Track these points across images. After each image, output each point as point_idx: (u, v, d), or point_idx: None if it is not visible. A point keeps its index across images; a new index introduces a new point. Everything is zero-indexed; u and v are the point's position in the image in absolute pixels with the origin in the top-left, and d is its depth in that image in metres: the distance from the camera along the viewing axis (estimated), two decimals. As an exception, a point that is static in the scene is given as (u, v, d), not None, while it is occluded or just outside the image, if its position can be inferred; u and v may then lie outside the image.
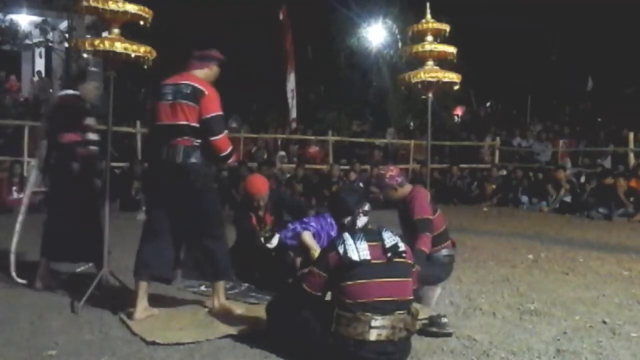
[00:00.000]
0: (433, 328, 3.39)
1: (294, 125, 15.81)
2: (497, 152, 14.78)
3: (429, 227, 4.20)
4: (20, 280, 4.36)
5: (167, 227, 3.66)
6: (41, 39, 15.83)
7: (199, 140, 3.60)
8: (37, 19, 16.07)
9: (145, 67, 3.98)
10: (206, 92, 3.59)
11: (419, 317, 3.15)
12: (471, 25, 15.72)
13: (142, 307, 3.62)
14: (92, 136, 4.44)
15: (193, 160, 3.58)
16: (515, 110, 20.68)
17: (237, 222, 4.90)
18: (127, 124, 11.29)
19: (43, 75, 18.31)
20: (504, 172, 13.12)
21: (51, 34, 15.78)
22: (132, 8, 3.86)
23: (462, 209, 11.03)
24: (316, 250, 4.31)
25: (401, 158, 14.09)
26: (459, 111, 22.00)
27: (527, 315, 3.86)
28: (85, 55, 4.24)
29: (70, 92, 4.52)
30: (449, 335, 3.38)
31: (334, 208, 3.26)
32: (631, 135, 12.25)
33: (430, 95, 5.53)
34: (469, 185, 12.66)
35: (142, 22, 3.96)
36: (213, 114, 3.58)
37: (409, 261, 3.03)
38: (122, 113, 11.12)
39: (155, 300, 3.79)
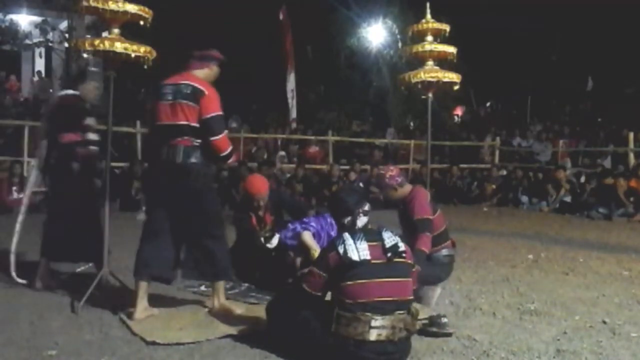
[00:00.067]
0: (433, 328, 3.39)
1: (294, 125, 15.80)
2: (497, 152, 14.78)
3: (429, 227, 4.20)
4: (20, 280, 4.36)
5: (167, 227, 3.66)
6: (41, 39, 15.82)
7: (199, 140, 3.60)
8: (37, 19, 16.05)
9: (145, 67, 3.98)
10: (206, 92, 3.59)
11: (419, 317, 3.15)
12: (471, 25, 15.73)
13: (142, 307, 3.63)
14: (92, 136, 4.44)
15: (193, 160, 3.59)
16: (515, 110, 20.67)
17: (237, 222, 4.89)
18: (127, 124, 11.28)
19: (43, 75, 18.29)
20: (504, 172, 13.11)
21: (51, 34, 15.77)
22: (132, 8, 3.86)
23: (462, 209, 11.02)
24: (316, 250, 4.30)
25: (401, 158, 14.10)
26: (459, 111, 22.01)
27: (527, 315, 3.86)
28: (85, 55, 4.25)
29: (70, 92, 4.52)
30: (449, 335, 3.38)
31: (334, 208, 3.26)
32: (631, 135, 12.25)
33: (430, 95, 5.53)
34: (469, 185, 12.66)
35: (142, 22, 3.96)
36: (213, 114, 3.59)
37: (409, 261, 3.03)
38: (122, 113, 11.12)
39: (155, 300, 3.79)
